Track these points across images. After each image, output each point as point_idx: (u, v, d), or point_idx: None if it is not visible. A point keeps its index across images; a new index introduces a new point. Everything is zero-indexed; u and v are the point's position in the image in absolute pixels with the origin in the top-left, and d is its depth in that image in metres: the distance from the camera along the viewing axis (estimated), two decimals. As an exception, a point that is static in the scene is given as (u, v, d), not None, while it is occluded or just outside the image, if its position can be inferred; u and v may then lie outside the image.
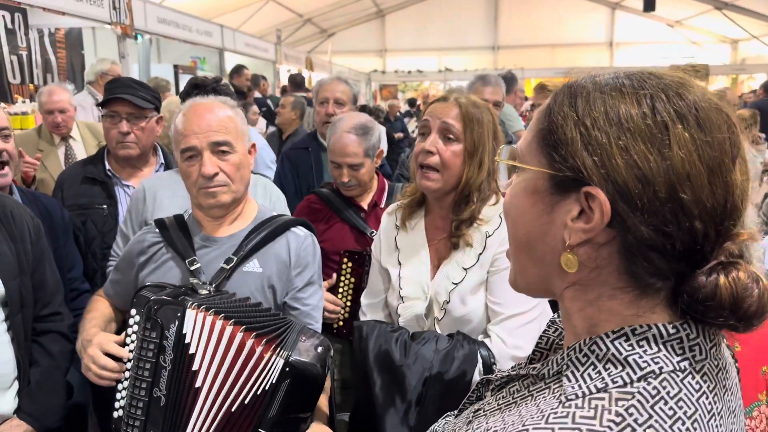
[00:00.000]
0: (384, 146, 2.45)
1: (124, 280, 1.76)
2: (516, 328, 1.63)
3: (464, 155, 1.68)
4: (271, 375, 1.37)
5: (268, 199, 2.30)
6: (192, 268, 1.61)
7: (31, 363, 1.77)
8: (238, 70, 7.84)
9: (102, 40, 8.36)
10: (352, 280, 2.27)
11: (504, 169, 0.79)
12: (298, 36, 17.07)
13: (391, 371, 1.59)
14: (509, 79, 4.76)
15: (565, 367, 0.69)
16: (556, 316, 0.88)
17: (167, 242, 1.68)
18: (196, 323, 1.38)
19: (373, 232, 2.31)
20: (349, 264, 2.27)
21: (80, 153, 3.59)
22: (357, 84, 3.65)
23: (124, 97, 2.42)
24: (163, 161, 2.62)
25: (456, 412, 1.06)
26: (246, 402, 1.37)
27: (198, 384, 1.36)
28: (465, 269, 1.70)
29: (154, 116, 2.52)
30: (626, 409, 0.62)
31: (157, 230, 1.72)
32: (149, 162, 2.60)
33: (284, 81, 11.51)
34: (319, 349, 1.45)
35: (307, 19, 16.84)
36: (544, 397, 0.69)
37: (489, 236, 1.71)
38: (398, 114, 10.92)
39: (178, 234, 1.68)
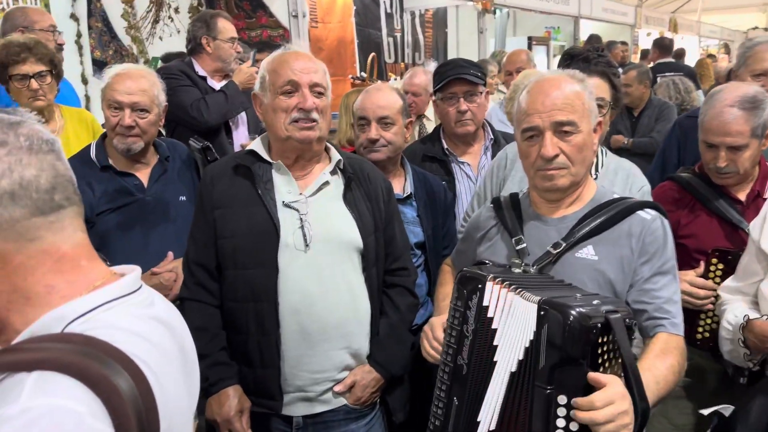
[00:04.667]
0: None
1: (465, 251, 1.84)
2: None
3: None
4: (529, 323, 1.29)
5: (627, 189, 1.99)
6: (517, 247, 1.60)
7: (380, 313, 1.97)
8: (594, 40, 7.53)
9: (464, 17, 8.87)
10: None
11: None
12: (664, -5, 15.55)
13: None
14: None
15: None
16: None
17: (500, 220, 1.70)
18: (494, 296, 1.38)
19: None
20: (720, 266, 1.94)
21: (431, 129, 3.90)
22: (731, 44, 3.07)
23: (462, 76, 2.51)
24: (492, 136, 2.67)
25: None
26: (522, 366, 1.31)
27: (495, 358, 1.36)
28: None
29: (484, 92, 2.59)
30: None
31: (492, 207, 1.76)
32: (480, 138, 2.67)
33: (643, 46, 10.69)
34: (595, 301, 1.29)
35: (676, -26, 15.21)
36: None
37: None
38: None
39: (510, 212, 1.68)
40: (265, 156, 1.85)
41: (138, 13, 5.96)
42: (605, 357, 1.28)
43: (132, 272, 0.93)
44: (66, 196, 0.86)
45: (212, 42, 3.24)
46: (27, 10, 3.41)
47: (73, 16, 6.36)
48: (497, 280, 1.40)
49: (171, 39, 5.57)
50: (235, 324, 1.83)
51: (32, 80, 2.57)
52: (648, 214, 1.56)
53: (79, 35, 6.35)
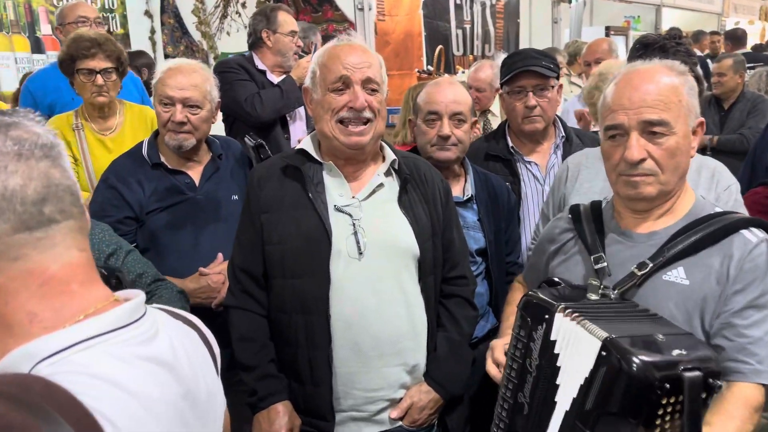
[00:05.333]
0: None
1: (537, 266, 1.67)
2: None
3: None
4: (588, 360, 1.15)
5: (712, 189, 1.80)
6: (596, 266, 1.40)
7: (438, 326, 1.82)
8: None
9: (537, 7, 8.55)
10: None
11: None
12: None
13: None
14: None
15: None
16: None
17: (578, 233, 1.51)
18: (563, 330, 1.21)
19: None
20: None
21: (496, 125, 3.72)
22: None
23: (531, 68, 2.31)
24: (563, 134, 2.45)
25: None
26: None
27: (556, 398, 1.21)
28: None
29: (556, 85, 2.37)
30: None
31: (570, 217, 1.56)
32: (549, 135, 2.46)
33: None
34: (676, 351, 1.10)
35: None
36: None
37: None
38: None
39: (590, 224, 1.48)
40: (316, 156, 1.72)
41: (207, 9, 6.01)
42: (665, 417, 1.09)
43: (135, 298, 0.81)
44: (60, 208, 0.75)
45: (272, 36, 3.17)
46: (64, 8, 3.42)
47: (147, 13, 6.48)
48: (568, 311, 1.22)
49: (238, 34, 5.57)
50: (283, 336, 1.71)
51: (98, 76, 2.57)
52: (753, 235, 1.33)
53: (152, 32, 6.47)
